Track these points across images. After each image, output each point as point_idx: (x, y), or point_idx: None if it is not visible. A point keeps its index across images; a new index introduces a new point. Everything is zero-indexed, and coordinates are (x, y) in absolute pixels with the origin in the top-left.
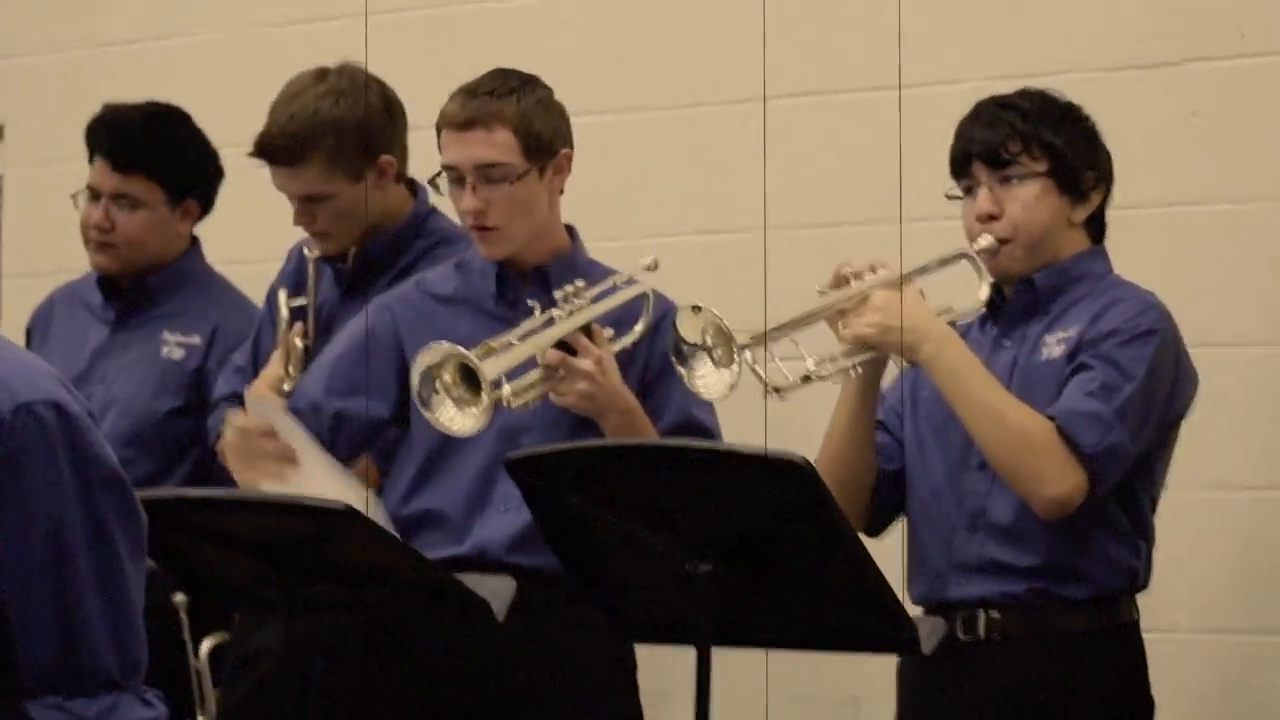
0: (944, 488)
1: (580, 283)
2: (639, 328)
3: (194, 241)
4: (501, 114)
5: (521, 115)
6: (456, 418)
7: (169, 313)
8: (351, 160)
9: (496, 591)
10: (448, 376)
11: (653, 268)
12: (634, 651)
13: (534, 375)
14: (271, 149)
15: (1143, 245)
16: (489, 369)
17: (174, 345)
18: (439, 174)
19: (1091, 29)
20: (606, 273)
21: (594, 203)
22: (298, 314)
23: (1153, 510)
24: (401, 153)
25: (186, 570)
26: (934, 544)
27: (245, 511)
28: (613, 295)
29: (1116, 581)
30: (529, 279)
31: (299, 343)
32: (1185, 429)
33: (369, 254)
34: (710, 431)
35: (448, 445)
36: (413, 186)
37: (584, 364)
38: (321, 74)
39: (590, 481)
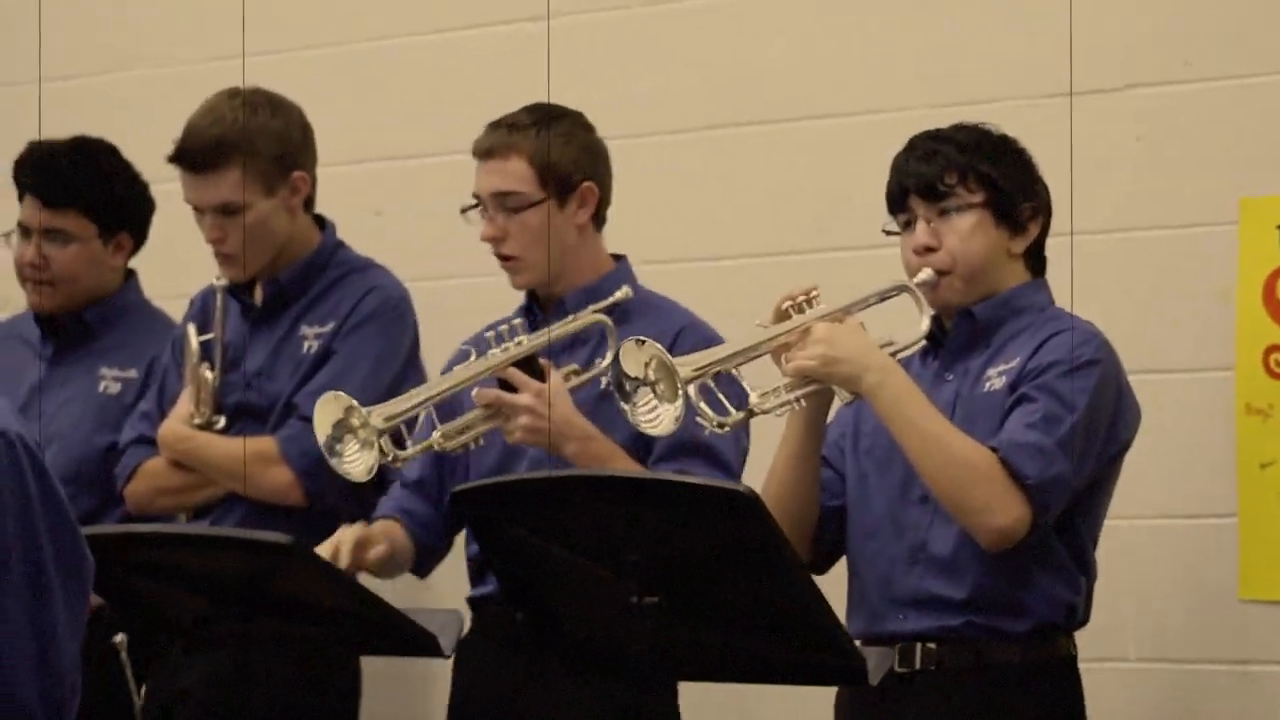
0: (884, 522)
1: (518, 321)
2: (603, 362)
3: (130, 275)
4: (518, 145)
5: (539, 146)
6: (357, 459)
7: (106, 347)
8: (267, 171)
9: (444, 625)
10: (355, 423)
11: (625, 298)
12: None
13: (471, 416)
14: (191, 154)
15: (1086, 271)
16: (375, 419)
17: (110, 380)
18: (474, 205)
19: (1035, 55)
20: (646, 298)
21: None
22: (206, 350)
23: (1094, 545)
24: (312, 179)
25: (130, 607)
26: (873, 579)
27: (190, 547)
28: (561, 326)
29: (1054, 616)
30: (553, 313)
31: (209, 376)
32: (1128, 457)
33: (280, 283)
34: (710, 447)
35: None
36: (321, 222)
37: (522, 399)
38: (235, 91)
39: (536, 513)
